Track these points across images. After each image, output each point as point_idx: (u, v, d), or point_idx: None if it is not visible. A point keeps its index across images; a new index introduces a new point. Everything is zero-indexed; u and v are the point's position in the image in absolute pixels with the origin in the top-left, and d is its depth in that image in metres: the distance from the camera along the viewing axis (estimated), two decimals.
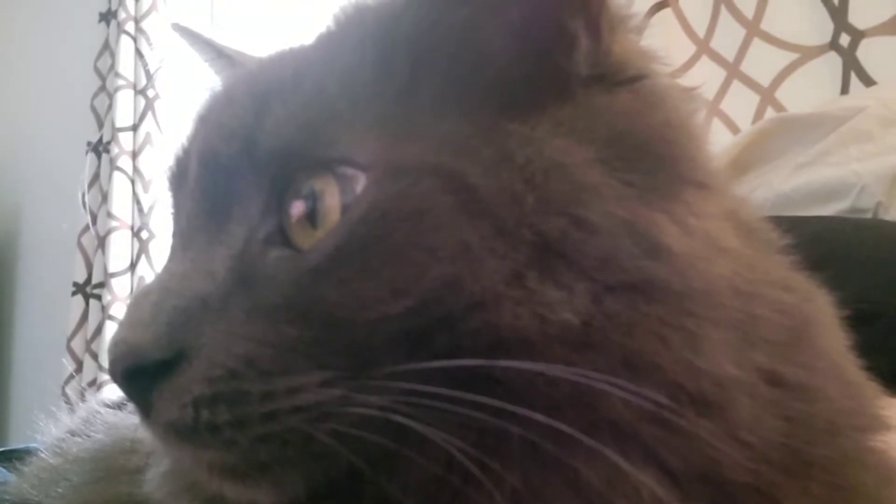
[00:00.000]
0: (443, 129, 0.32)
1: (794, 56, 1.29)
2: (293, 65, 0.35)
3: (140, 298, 0.32)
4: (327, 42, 0.36)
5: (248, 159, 0.33)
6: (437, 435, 0.28)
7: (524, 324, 0.29)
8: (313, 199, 0.31)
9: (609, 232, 0.30)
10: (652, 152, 0.33)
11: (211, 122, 0.36)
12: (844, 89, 1.23)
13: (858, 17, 1.23)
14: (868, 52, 1.21)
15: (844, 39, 1.24)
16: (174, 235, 0.36)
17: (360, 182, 0.31)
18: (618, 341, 0.29)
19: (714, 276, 0.31)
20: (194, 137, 0.37)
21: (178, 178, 0.37)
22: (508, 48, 0.33)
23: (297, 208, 0.32)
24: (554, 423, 0.27)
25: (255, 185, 0.33)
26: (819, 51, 1.27)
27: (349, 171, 0.31)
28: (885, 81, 1.17)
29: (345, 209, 0.31)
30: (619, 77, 0.34)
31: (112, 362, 0.31)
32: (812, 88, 1.26)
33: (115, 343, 0.31)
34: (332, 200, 0.31)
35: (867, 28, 1.22)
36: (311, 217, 0.31)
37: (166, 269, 0.34)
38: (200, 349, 0.30)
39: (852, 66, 1.23)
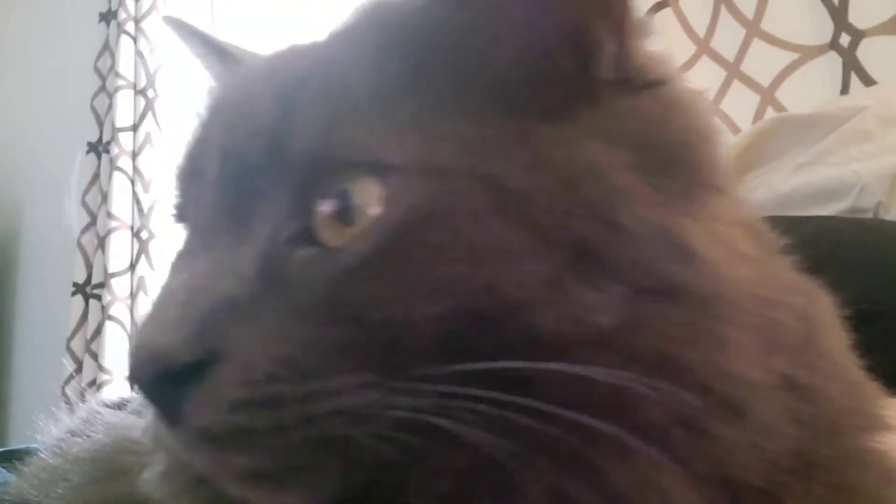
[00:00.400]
0: (475, 131, 0.31)
1: (794, 56, 1.29)
2: (314, 61, 0.35)
3: (164, 299, 0.31)
4: (348, 38, 0.36)
5: (273, 158, 0.32)
6: (477, 436, 0.28)
7: (561, 326, 0.29)
8: (345, 199, 0.31)
9: (642, 236, 0.30)
10: (676, 157, 0.33)
11: (229, 117, 0.35)
12: (845, 89, 1.23)
13: (858, 16, 1.23)
14: (868, 52, 1.21)
15: (845, 39, 1.24)
16: (192, 233, 0.35)
17: (394, 183, 0.30)
18: (650, 344, 0.29)
19: (737, 281, 0.31)
20: (209, 134, 0.35)
21: (191, 174, 0.36)
22: (536, 51, 0.33)
23: (328, 207, 0.31)
24: (598, 424, 0.28)
25: (281, 183, 0.32)
26: (819, 51, 1.27)
27: (382, 171, 0.31)
28: (886, 81, 1.17)
29: (379, 210, 0.30)
30: (641, 81, 0.34)
31: (136, 366, 0.29)
32: (812, 88, 1.26)
33: (141, 346, 0.29)
34: (365, 200, 0.31)
35: (867, 28, 1.22)
36: (343, 216, 0.31)
37: (188, 268, 0.32)
38: (234, 351, 0.29)
39: (852, 66, 1.22)
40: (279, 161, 0.32)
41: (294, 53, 0.37)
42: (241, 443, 0.29)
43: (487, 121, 0.31)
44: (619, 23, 0.34)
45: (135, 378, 0.30)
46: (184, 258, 0.34)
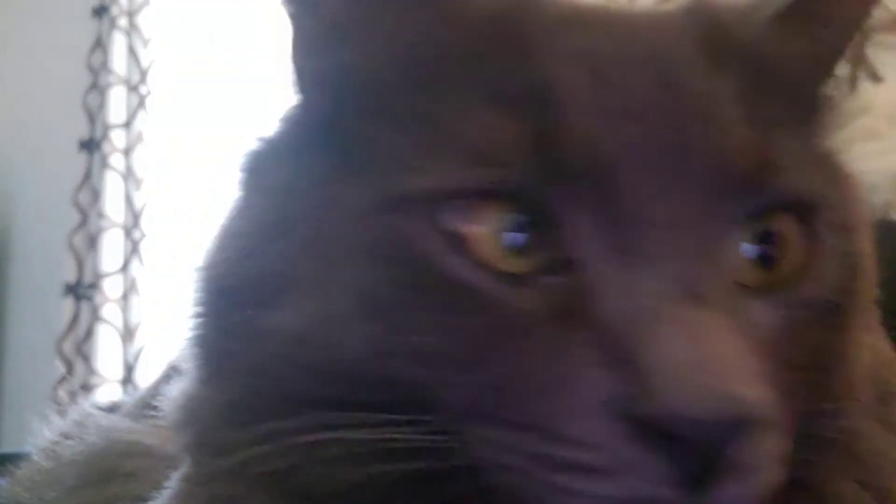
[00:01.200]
0: (823, 175, 0.32)
1: None
2: (735, 72, 0.31)
3: (714, 337, 0.27)
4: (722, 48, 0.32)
5: (740, 190, 0.30)
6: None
7: (857, 368, 0.33)
8: (766, 239, 0.30)
9: (872, 281, 0.34)
10: None
11: (704, 127, 0.30)
12: (852, 87, 1.22)
13: None
14: (875, 50, 1.21)
15: None
16: (675, 245, 0.29)
17: (820, 231, 0.31)
18: (879, 372, 0.34)
19: None
20: (679, 120, 0.29)
21: (664, 166, 0.29)
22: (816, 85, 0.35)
23: (754, 247, 0.30)
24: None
25: (729, 214, 0.29)
26: None
27: (806, 214, 0.31)
28: (893, 79, 1.17)
29: (806, 259, 0.30)
30: None
31: (727, 426, 0.25)
32: None
33: (745, 405, 0.26)
34: (793, 247, 0.31)
35: (876, 25, 1.21)
36: (759, 257, 0.30)
37: (704, 299, 0.28)
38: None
39: (860, 64, 1.22)
40: (742, 193, 0.30)
41: (695, 44, 0.32)
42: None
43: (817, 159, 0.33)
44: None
45: (716, 436, 0.26)
46: (682, 283, 0.28)
